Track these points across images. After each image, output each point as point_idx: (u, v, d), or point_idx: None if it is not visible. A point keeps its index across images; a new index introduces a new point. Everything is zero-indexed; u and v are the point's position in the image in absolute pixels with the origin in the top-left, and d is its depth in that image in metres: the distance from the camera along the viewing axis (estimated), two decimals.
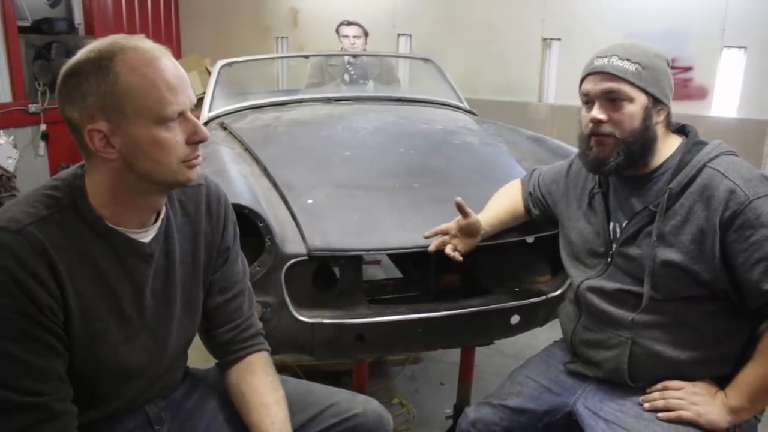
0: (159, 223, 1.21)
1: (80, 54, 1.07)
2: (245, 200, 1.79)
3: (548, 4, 5.48)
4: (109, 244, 1.13)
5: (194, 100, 1.12)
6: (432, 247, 1.80)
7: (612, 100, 1.40)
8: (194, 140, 1.11)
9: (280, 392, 1.33)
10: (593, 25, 5.18)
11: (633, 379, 1.47)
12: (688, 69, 4.89)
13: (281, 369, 2.81)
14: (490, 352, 3.09)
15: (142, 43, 1.08)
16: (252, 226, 1.78)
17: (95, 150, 1.06)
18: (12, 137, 4.43)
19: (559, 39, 5.51)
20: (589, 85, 1.44)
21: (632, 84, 1.39)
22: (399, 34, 6.33)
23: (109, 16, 6.48)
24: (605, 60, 1.41)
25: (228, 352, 1.38)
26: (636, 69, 1.39)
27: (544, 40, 5.59)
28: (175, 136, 1.08)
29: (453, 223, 1.80)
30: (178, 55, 8.02)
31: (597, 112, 1.42)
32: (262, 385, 1.33)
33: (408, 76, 4.92)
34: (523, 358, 1.82)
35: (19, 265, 1.01)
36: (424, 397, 2.93)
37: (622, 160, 1.42)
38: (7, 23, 5.36)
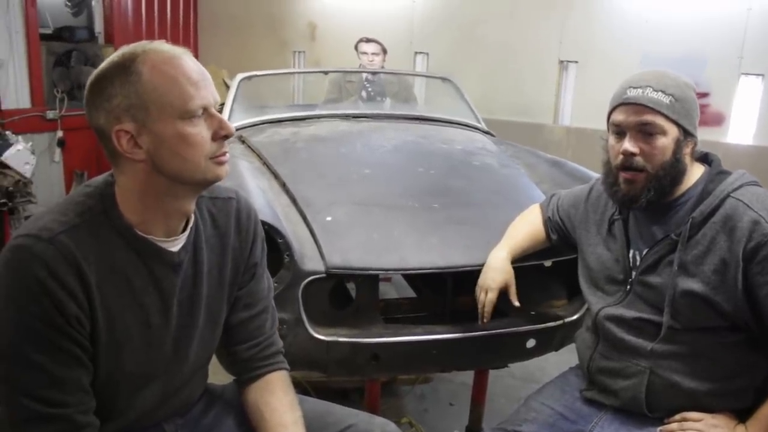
0: (188, 232, 1.20)
1: (105, 62, 1.09)
2: (265, 216, 1.79)
3: (566, 26, 5.50)
4: (138, 252, 1.13)
5: (218, 99, 1.13)
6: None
7: (645, 133, 1.39)
8: (220, 135, 1.11)
9: (298, 412, 1.32)
10: (610, 49, 5.19)
11: (650, 409, 1.46)
12: (705, 95, 4.88)
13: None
14: (500, 373, 3.06)
15: (163, 45, 1.10)
16: (271, 242, 1.78)
17: (123, 151, 1.07)
18: (30, 143, 4.46)
19: (576, 61, 5.52)
20: (622, 116, 1.42)
21: (666, 117, 1.38)
22: (416, 53, 6.36)
23: (129, 26, 6.55)
24: (639, 91, 1.40)
25: (247, 369, 1.37)
26: (670, 101, 1.38)
27: (561, 62, 5.60)
28: (200, 131, 1.08)
29: (494, 294, 1.78)
30: None
31: (629, 145, 1.40)
32: (281, 405, 1.32)
33: (424, 94, 4.94)
34: (533, 381, 1.81)
35: (49, 274, 1.01)
36: (433, 417, 2.91)
37: (653, 195, 1.41)
38: (29, 30, 5.42)
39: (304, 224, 1.98)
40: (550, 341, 2.03)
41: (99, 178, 1.16)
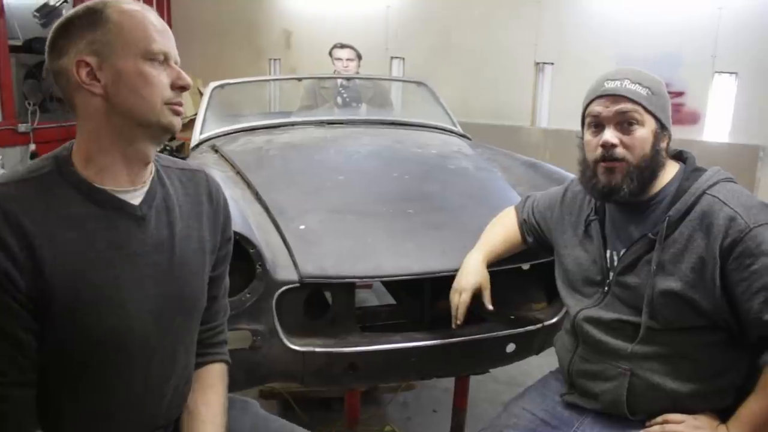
0: (148, 186, 1.18)
1: (74, 9, 1.12)
2: (236, 225, 1.73)
3: (541, 29, 5.53)
4: (96, 203, 1.11)
5: (178, 59, 1.16)
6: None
7: (624, 123, 1.38)
8: (178, 84, 1.14)
9: (225, 417, 1.32)
10: (586, 50, 5.22)
11: (632, 412, 1.43)
12: (680, 94, 4.93)
13: (270, 395, 2.80)
14: (482, 378, 3.01)
15: (132, 1, 1.15)
16: (243, 252, 1.74)
17: (81, 82, 1.08)
18: (1, 157, 4.38)
19: (552, 63, 5.54)
20: (600, 108, 1.40)
21: (645, 108, 1.37)
22: (392, 57, 6.35)
23: None
24: (617, 83, 1.39)
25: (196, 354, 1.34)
26: (647, 93, 1.38)
27: (537, 64, 5.63)
28: (159, 74, 1.11)
29: (468, 295, 1.75)
30: None
31: (610, 135, 1.38)
32: (218, 405, 1.32)
33: (401, 99, 4.92)
34: (516, 385, 1.79)
35: None
36: (416, 424, 2.88)
37: (635, 186, 1.39)
38: None
39: (277, 233, 1.94)
40: (530, 345, 2.01)
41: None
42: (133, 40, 1.09)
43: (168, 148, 6.90)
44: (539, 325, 1.97)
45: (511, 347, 1.95)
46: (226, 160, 2.61)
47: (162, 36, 1.12)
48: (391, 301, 2.43)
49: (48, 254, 1.04)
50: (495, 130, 5.43)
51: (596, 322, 1.47)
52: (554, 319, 1.99)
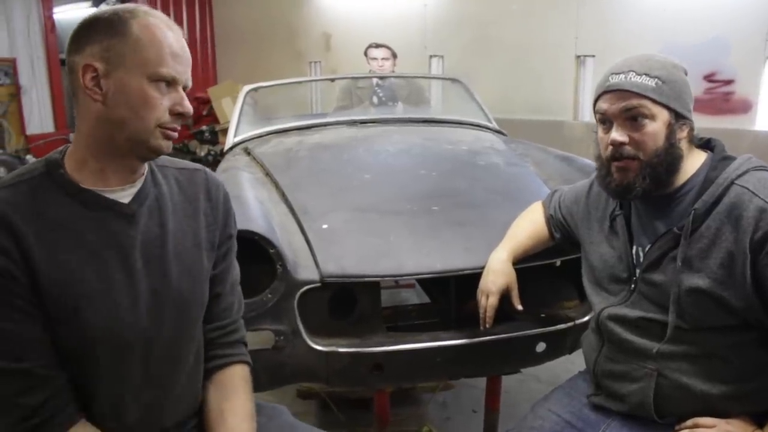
0: (139, 186, 1.19)
1: (107, 8, 1.14)
2: (256, 226, 1.75)
3: (581, 21, 5.39)
4: (85, 205, 1.13)
5: (189, 84, 1.17)
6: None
7: (632, 119, 1.31)
8: (177, 111, 1.14)
9: (253, 423, 1.30)
10: (629, 40, 5.06)
11: (660, 415, 1.36)
12: (729, 82, 4.72)
13: (308, 396, 2.80)
14: (524, 378, 2.98)
15: (162, 15, 1.16)
16: (263, 253, 1.74)
17: (84, 85, 1.09)
18: None
19: (593, 56, 5.40)
20: (606, 104, 1.34)
21: (653, 100, 1.29)
22: (431, 56, 6.31)
23: None
24: (622, 76, 1.32)
25: (208, 357, 1.33)
26: (656, 84, 1.30)
27: (578, 57, 5.49)
28: (161, 97, 1.12)
29: (495, 298, 1.73)
30: (214, 80, 8.19)
31: (617, 134, 1.32)
32: (245, 411, 1.29)
33: (440, 96, 4.88)
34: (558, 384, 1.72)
35: None
36: (456, 425, 2.83)
37: (648, 183, 1.32)
38: (50, 55, 5.55)
39: (300, 233, 1.94)
40: (561, 344, 1.95)
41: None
42: (145, 58, 1.09)
43: (212, 153, 7.05)
44: (570, 324, 1.91)
45: (541, 346, 1.90)
46: (257, 161, 2.62)
47: (175, 60, 1.12)
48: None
49: (40, 256, 1.06)
50: (537, 126, 5.33)
51: (621, 320, 1.41)
52: (586, 318, 1.92)
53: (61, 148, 1.18)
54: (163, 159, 1.27)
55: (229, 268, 1.36)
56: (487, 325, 1.73)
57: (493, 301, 1.71)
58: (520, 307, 1.73)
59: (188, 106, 1.15)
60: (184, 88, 1.16)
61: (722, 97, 4.66)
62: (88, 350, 1.12)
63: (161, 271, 1.20)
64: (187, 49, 1.16)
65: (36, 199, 1.10)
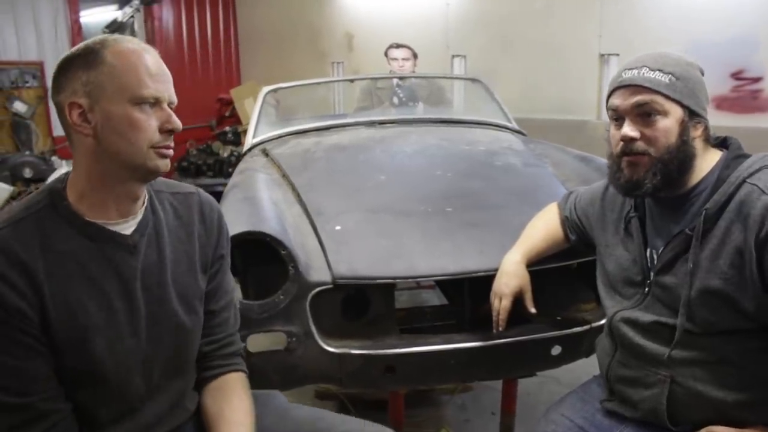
0: (140, 216, 1.22)
1: (75, 47, 1.16)
2: (268, 227, 1.76)
3: (605, 19, 5.31)
4: (89, 237, 1.15)
5: (174, 99, 1.18)
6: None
7: (644, 115, 1.29)
8: (166, 128, 1.15)
9: (249, 419, 1.31)
10: (653, 38, 4.96)
11: (673, 422, 1.32)
12: (757, 80, 4.60)
13: (326, 397, 2.80)
14: (544, 380, 2.95)
15: (132, 39, 1.17)
16: (276, 255, 1.74)
17: (72, 123, 1.12)
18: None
19: (618, 54, 5.31)
20: (618, 100, 1.32)
21: (666, 96, 1.27)
22: (453, 56, 6.28)
23: (171, 44, 6.74)
24: (635, 72, 1.30)
25: (204, 367, 1.36)
26: (669, 80, 1.28)
27: (602, 56, 5.41)
28: (148, 119, 1.13)
29: (508, 301, 1.71)
30: (237, 81, 8.26)
31: (628, 129, 1.30)
32: (244, 406, 1.32)
33: (463, 96, 4.85)
34: None
35: None
36: (475, 427, 2.81)
37: (659, 180, 1.29)
38: None
39: (314, 234, 1.94)
40: (577, 347, 1.92)
41: (55, 178, 1.24)
42: (123, 84, 1.11)
43: (235, 153, 7.10)
44: (587, 327, 1.88)
45: (556, 350, 1.87)
46: (274, 162, 2.63)
47: (154, 80, 1.13)
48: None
49: (49, 290, 1.10)
50: (560, 125, 5.27)
51: (633, 323, 1.38)
52: (603, 321, 1.86)
53: (61, 176, 1.20)
54: (159, 183, 1.29)
55: (222, 285, 1.39)
56: (501, 328, 1.71)
57: (506, 303, 1.69)
58: (533, 310, 1.71)
59: (176, 122, 1.16)
60: (171, 105, 1.17)
61: (750, 95, 4.55)
62: (93, 374, 1.16)
63: (159, 297, 1.24)
64: (164, 67, 1.17)
65: (43, 233, 1.12)
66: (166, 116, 1.15)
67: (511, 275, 1.71)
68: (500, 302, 1.70)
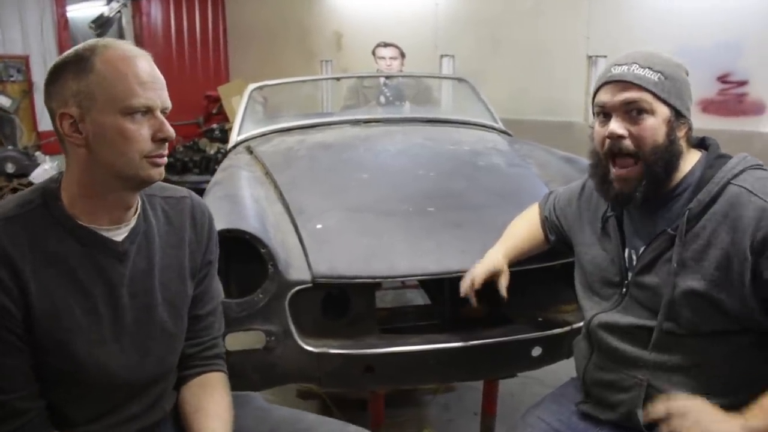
0: (132, 223, 1.21)
1: (66, 52, 1.14)
2: (247, 225, 1.75)
3: (593, 21, 5.33)
4: (80, 241, 1.14)
5: (168, 104, 1.15)
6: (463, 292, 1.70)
7: (632, 113, 1.27)
8: (159, 137, 1.13)
9: (227, 415, 1.31)
10: (640, 41, 4.98)
11: (648, 426, 1.31)
12: (743, 83, 4.64)
13: (309, 396, 2.79)
14: (527, 381, 2.94)
15: (123, 44, 1.14)
16: (255, 253, 1.73)
17: (64, 134, 1.11)
18: (56, 162, 4.57)
19: (605, 56, 5.34)
20: (606, 96, 1.30)
21: (654, 95, 1.26)
22: (442, 55, 6.28)
23: (159, 39, 6.70)
24: (625, 68, 1.28)
25: (185, 367, 1.36)
26: (659, 78, 1.26)
27: (590, 57, 5.43)
28: (139, 128, 1.11)
29: (481, 273, 1.68)
30: (226, 79, 8.22)
31: (616, 126, 1.28)
32: (224, 402, 1.32)
33: (451, 96, 4.85)
34: None
35: None
36: (457, 427, 2.80)
37: (648, 188, 1.28)
38: (63, 53, 5.57)
39: (295, 233, 1.93)
40: (558, 348, 1.91)
41: (49, 177, 1.21)
42: (114, 94, 1.09)
43: (222, 151, 7.07)
44: (568, 328, 1.88)
45: (537, 351, 1.87)
46: (258, 160, 2.62)
47: (145, 88, 1.11)
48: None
49: (35, 290, 1.09)
50: (547, 126, 5.28)
51: (611, 328, 1.38)
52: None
53: (55, 176, 1.19)
54: (151, 186, 1.26)
55: (209, 290, 1.38)
56: (474, 304, 1.68)
57: (478, 279, 1.65)
58: (505, 294, 1.67)
59: (169, 131, 1.14)
60: (165, 111, 1.15)
61: (735, 98, 4.58)
62: (74, 375, 1.16)
63: (146, 304, 1.23)
64: (156, 72, 1.14)
65: (34, 233, 1.11)
66: (158, 125, 1.13)
67: (487, 259, 1.70)
68: (472, 279, 1.67)
